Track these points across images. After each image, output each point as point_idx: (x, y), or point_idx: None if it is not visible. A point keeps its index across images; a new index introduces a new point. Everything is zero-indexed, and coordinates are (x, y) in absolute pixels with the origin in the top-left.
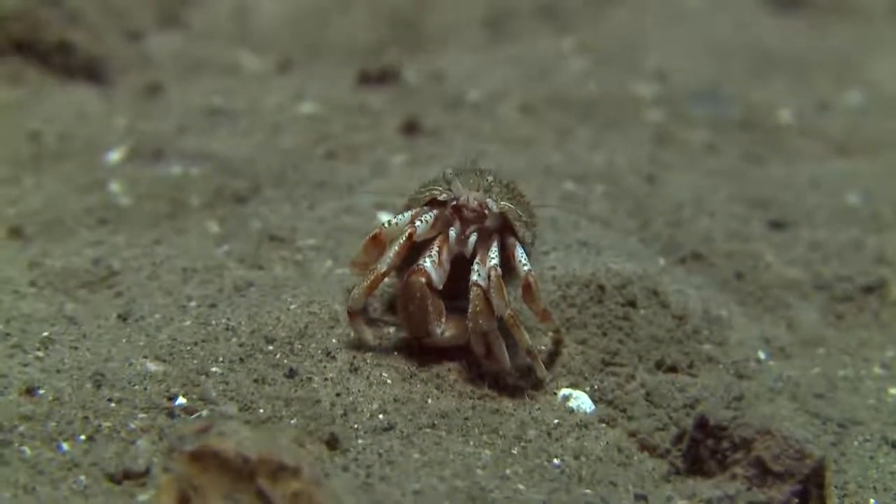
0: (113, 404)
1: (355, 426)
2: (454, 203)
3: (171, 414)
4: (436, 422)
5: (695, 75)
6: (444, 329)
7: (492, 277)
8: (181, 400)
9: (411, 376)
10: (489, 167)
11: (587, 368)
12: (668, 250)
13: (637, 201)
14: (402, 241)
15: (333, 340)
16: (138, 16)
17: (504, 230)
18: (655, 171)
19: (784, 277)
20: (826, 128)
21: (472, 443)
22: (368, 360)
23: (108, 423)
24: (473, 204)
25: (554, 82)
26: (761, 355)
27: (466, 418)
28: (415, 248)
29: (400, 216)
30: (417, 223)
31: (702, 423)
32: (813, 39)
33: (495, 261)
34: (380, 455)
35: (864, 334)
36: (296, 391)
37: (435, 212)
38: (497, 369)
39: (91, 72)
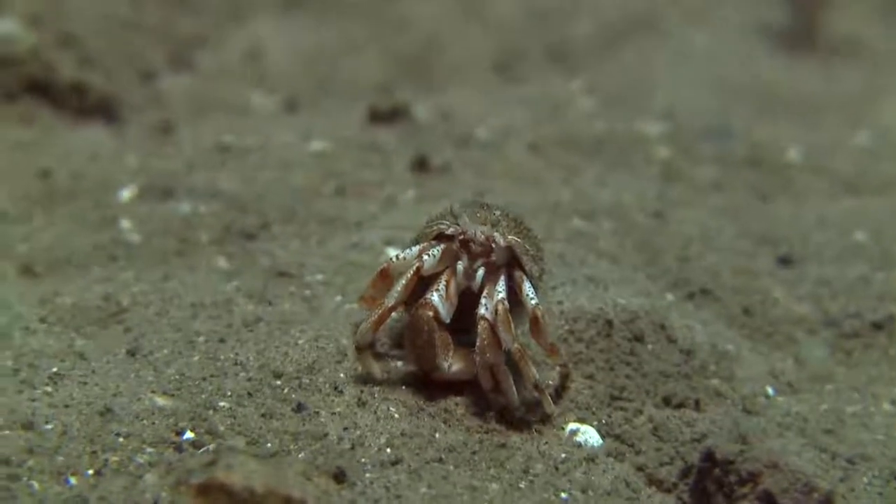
0: (121, 439)
1: (362, 460)
2: (461, 237)
3: (178, 448)
4: (443, 456)
5: (702, 114)
6: (451, 363)
7: (499, 311)
8: (189, 434)
9: (419, 411)
10: (497, 202)
11: (595, 403)
12: (676, 286)
13: (645, 237)
14: (409, 275)
15: (341, 375)
16: (151, 57)
17: (512, 264)
18: (663, 208)
19: (792, 313)
20: (835, 167)
21: (479, 477)
22: (376, 395)
23: (115, 458)
24: (481, 238)
25: (562, 122)
26: (769, 391)
27: (474, 452)
28: (423, 282)
29: (408, 251)
30: (425, 257)
31: (709, 457)
32: (822, 80)
33: (502, 294)
34: (387, 489)
35: (873, 371)
36: (303, 425)
37: (442, 246)
38: (504, 403)
39: (104, 112)
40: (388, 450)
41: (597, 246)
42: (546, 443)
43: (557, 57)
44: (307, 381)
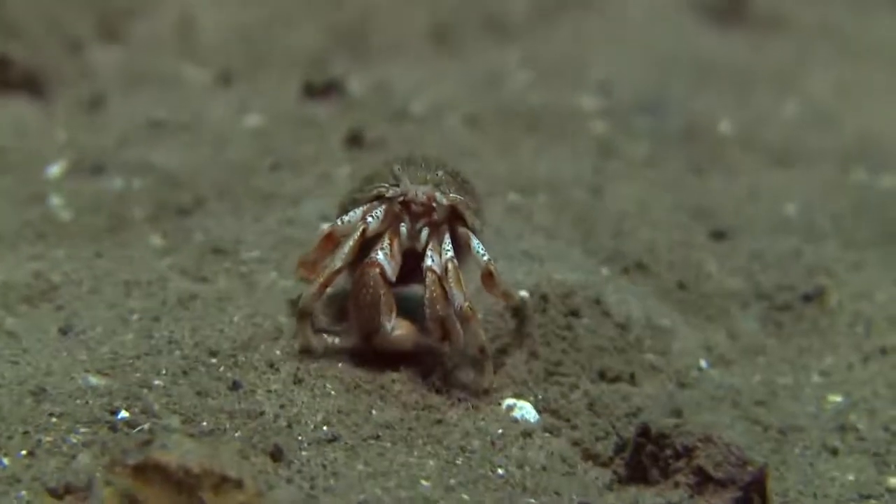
0: (54, 419)
1: (299, 438)
2: (402, 199)
3: (113, 427)
4: (380, 433)
5: (637, 87)
6: (394, 326)
7: (449, 269)
8: (123, 413)
9: (355, 387)
10: (433, 155)
11: (531, 378)
12: (612, 260)
13: (581, 212)
14: (355, 236)
15: (277, 352)
16: (79, 28)
17: (454, 220)
18: (599, 182)
19: (725, 287)
20: (765, 140)
21: (416, 453)
22: (312, 372)
23: (48, 438)
24: (422, 198)
25: (498, 95)
26: (703, 364)
27: (411, 429)
28: (366, 245)
29: (351, 213)
30: (369, 219)
31: (644, 432)
32: (752, 53)
33: (451, 253)
34: (324, 466)
35: (804, 342)
36: (239, 403)
37: (384, 206)
38: (454, 351)
39: (29, 85)
40: (325, 427)
41: (533, 220)
42: (483, 419)
43: (494, 30)
44: (243, 358)
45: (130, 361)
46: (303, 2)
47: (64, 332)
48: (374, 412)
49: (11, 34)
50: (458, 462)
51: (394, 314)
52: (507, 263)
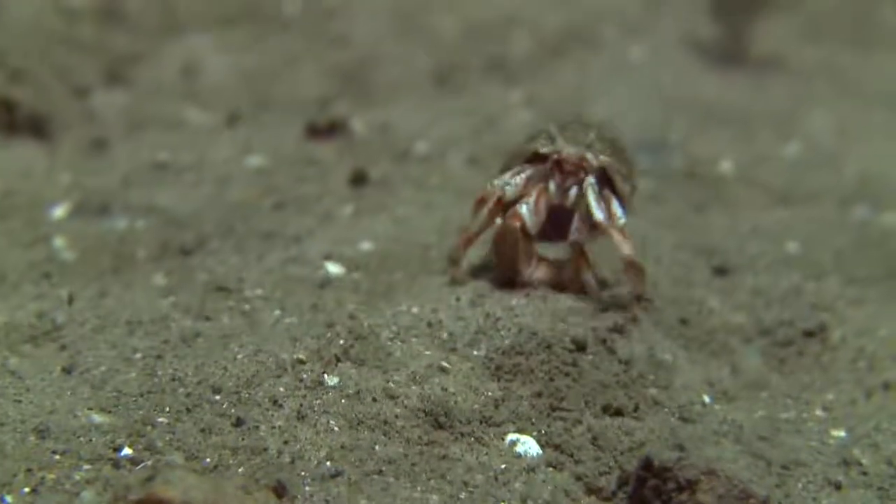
0: (57, 456)
1: (302, 473)
2: (555, 157)
3: (116, 465)
4: (383, 468)
5: (639, 127)
6: (532, 271)
7: (618, 226)
8: (127, 451)
9: (359, 423)
10: (593, 119)
11: (534, 413)
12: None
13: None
14: (492, 203)
15: (281, 389)
16: (84, 73)
17: (603, 182)
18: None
19: (728, 323)
20: (766, 179)
21: (419, 488)
22: (315, 408)
23: (52, 475)
24: (574, 158)
25: (501, 134)
26: (706, 399)
27: (414, 464)
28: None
29: (502, 176)
30: (517, 179)
31: (647, 465)
32: (752, 93)
33: (601, 216)
34: (327, 502)
35: (806, 378)
36: (243, 440)
37: (534, 169)
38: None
39: (34, 128)
40: (328, 463)
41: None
42: (486, 453)
43: (496, 70)
44: (246, 395)
45: (134, 399)
46: (306, 44)
47: (67, 370)
48: (377, 447)
49: (17, 79)
50: (462, 497)
51: (533, 261)
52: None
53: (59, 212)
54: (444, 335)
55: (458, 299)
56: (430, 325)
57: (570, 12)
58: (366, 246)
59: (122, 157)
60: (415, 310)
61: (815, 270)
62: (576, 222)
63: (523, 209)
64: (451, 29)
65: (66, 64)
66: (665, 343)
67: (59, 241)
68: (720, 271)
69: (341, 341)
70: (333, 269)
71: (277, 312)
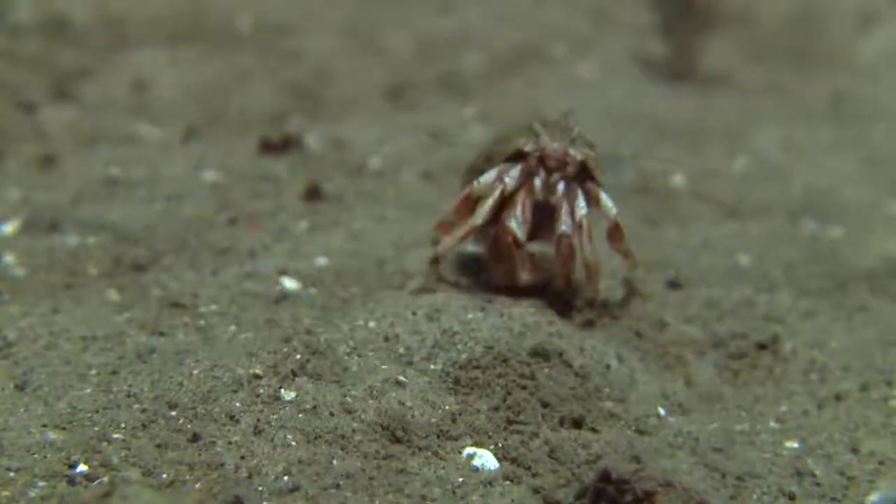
0: (11, 473)
1: (260, 488)
2: (538, 154)
3: (71, 481)
4: (341, 482)
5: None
6: (527, 276)
7: (584, 225)
8: (82, 467)
9: (316, 438)
10: (571, 117)
11: (491, 427)
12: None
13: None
14: (496, 195)
15: (237, 404)
16: (30, 89)
17: (584, 177)
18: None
19: (682, 335)
20: (716, 193)
21: (377, 502)
22: (272, 423)
23: (6, 493)
24: (559, 154)
25: (454, 149)
26: (661, 411)
27: (371, 478)
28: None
29: (486, 175)
30: (507, 179)
31: (604, 477)
32: (700, 109)
33: (584, 210)
34: None
35: (760, 390)
36: (199, 455)
37: (520, 166)
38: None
39: None
40: (286, 477)
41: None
42: (443, 467)
43: (448, 86)
44: (203, 410)
45: (89, 416)
46: (258, 60)
47: (21, 387)
48: (334, 462)
49: None
50: None
51: (527, 265)
52: (473, 314)
53: (8, 228)
54: (401, 349)
55: (414, 313)
56: (386, 339)
57: (520, 30)
58: (321, 261)
59: (72, 172)
60: (371, 324)
61: (766, 283)
62: (563, 214)
63: (512, 223)
64: (403, 46)
65: (11, 80)
66: (621, 356)
67: (9, 258)
68: (673, 285)
69: (298, 356)
70: (289, 284)
71: (233, 328)
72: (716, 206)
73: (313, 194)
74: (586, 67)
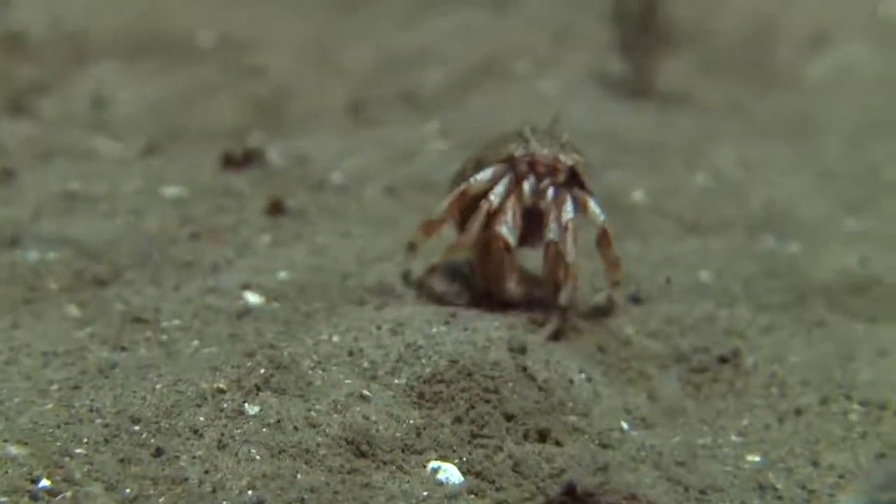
0: None
1: (224, 503)
2: (528, 159)
3: (34, 497)
4: (305, 496)
5: None
6: (514, 286)
7: (569, 228)
8: (45, 482)
9: (280, 452)
10: (561, 125)
11: (455, 441)
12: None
13: None
14: (482, 217)
15: (201, 418)
16: None
17: (572, 183)
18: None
19: (644, 350)
20: (677, 208)
21: None
22: (236, 437)
23: None
24: (549, 160)
25: (417, 165)
26: (624, 425)
27: (336, 492)
28: (480, 197)
29: (482, 174)
30: (493, 197)
31: (569, 491)
32: (660, 126)
33: (571, 215)
34: None
35: (721, 404)
36: (163, 469)
37: (508, 177)
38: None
39: None
40: (250, 492)
41: (454, 286)
42: (408, 482)
43: (410, 102)
44: (166, 425)
45: (51, 431)
46: (219, 76)
47: None
48: (299, 476)
49: None
50: None
51: (515, 275)
52: (435, 328)
53: None
54: (365, 364)
55: (378, 328)
56: (350, 353)
57: (480, 48)
58: (284, 275)
59: (30, 187)
60: (335, 339)
61: (726, 298)
62: (551, 222)
63: (503, 229)
64: (364, 62)
65: None
66: (584, 370)
67: None
68: (635, 299)
69: (262, 370)
70: (252, 298)
71: (196, 342)
72: (676, 222)
73: (276, 209)
74: (547, 84)
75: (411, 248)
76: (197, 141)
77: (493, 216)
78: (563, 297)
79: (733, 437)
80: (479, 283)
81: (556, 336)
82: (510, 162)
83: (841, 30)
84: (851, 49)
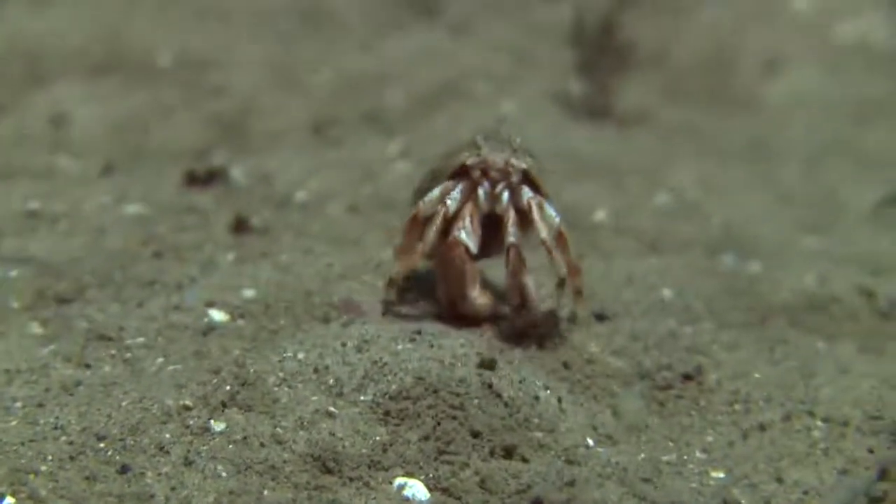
0: None
1: None
2: (482, 165)
3: None
4: None
5: None
6: (477, 296)
7: (532, 205)
8: (9, 500)
9: (246, 469)
10: (511, 132)
11: (422, 457)
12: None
13: None
14: (437, 223)
15: (167, 435)
16: None
17: (526, 185)
18: (481, 267)
19: (609, 367)
20: (638, 227)
21: None
22: (203, 454)
23: None
24: (500, 164)
25: (379, 184)
26: (590, 442)
27: None
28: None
29: (430, 193)
30: (448, 202)
31: None
32: (620, 147)
33: (530, 194)
34: None
35: (686, 420)
36: (129, 487)
37: (461, 185)
38: (528, 320)
39: None
40: None
41: (418, 305)
42: (374, 498)
43: (372, 122)
44: (132, 442)
45: (15, 448)
46: (181, 95)
47: None
48: (265, 493)
49: None
50: None
51: (477, 284)
52: (401, 345)
53: None
54: (331, 380)
55: (344, 345)
56: (316, 370)
57: (440, 69)
58: (249, 293)
59: None
60: (301, 356)
61: (689, 316)
62: (510, 226)
63: (462, 235)
64: (326, 82)
65: None
66: (549, 387)
67: None
68: (599, 317)
69: (227, 387)
70: (217, 316)
71: (161, 360)
72: (638, 241)
73: (240, 227)
74: (507, 105)
75: (391, 283)
76: (158, 160)
77: (450, 223)
78: (532, 307)
79: (698, 454)
80: (442, 296)
81: (523, 334)
82: (464, 171)
83: (795, 55)
84: (805, 73)
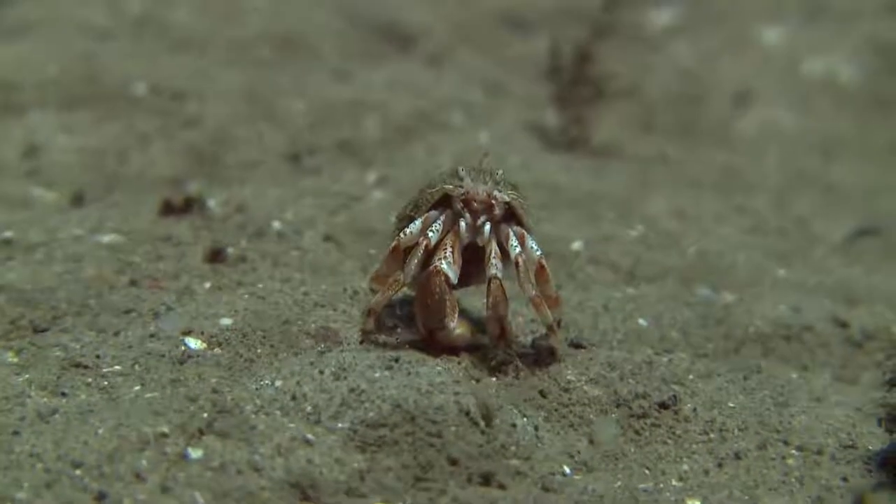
0: None
1: None
2: (464, 197)
3: None
4: None
5: None
6: (455, 325)
7: (520, 263)
8: None
9: (224, 496)
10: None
11: (400, 484)
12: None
13: None
14: (419, 254)
15: (144, 462)
16: None
17: (509, 218)
18: (459, 297)
19: (585, 395)
20: (614, 258)
21: None
22: (180, 481)
23: None
24: (483, 196)
25: (356, 213)
26: (566, 469)
27: None
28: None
29: (412, 225)
30: (430, 234)
31: None
32: (594, 178)
33: (518, 249)
34: None
35: (662, 448)
36: None
37: (443, 217)
38: (508, 352)
39: None
40: None
41: (394, 334)
42: None
43: (348, 152)
44: (108, 469)
45: None
46: (156, 125)
47: None
48: None
49: None
50: None
51: (456, 314)
52: (380, 373)
53: None
54: (309, 408)
55: (321, 372)
56: (294, 398)
57: (416, 99)
58: (226, 321)
59: None
60: (278, 383)
61: (665, 345)
62: (493, 258)
63: (443, 265)
64: (301, 112)
65: None
66: (526, 414)
67: None
68: (576, 345)
69: (205, 415)
70: (194, 344)
71: (137, 388)
72: (614, 271)
73: (216, 256)
74: (483, 135)
75: (370, 313)
76: (133, 189)
77: (431, 253)
78: (551, 318)
79: (674, 482)
80: (420, 325)
81: (500, 368)
82: (446, 202)
83: (765, 89)
84: (775, 107)
